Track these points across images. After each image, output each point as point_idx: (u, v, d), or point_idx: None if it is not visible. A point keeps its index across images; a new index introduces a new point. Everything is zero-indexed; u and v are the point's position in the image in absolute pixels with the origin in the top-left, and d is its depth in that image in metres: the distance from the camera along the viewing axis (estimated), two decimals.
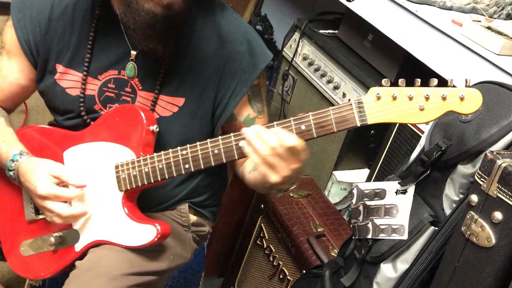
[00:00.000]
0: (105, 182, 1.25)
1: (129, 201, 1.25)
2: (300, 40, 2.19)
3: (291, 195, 1.85)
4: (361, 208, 1.27)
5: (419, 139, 1.29)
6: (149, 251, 1.24)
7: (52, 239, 1.26)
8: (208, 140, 1.14)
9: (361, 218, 1.26)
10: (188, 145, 1.16)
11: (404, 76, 1.87)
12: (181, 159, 1.17)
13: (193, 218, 1.46)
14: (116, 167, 1.24)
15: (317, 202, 1.85)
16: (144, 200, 1.31)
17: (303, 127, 1.07)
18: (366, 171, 2.05)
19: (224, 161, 1.14)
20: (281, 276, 1.76)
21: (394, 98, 1.02)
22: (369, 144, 1.99)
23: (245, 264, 2.00)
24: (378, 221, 1.21)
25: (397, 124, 1.73)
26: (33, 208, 1.33)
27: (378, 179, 1.81)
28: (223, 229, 2.14)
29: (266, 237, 1.87)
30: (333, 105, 2.00)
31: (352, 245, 1.30)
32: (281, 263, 1.78)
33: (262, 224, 1.89)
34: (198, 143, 1.16)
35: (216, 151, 1.14)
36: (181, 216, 1.43)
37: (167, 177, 1.18)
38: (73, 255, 1.27)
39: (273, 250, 1.82)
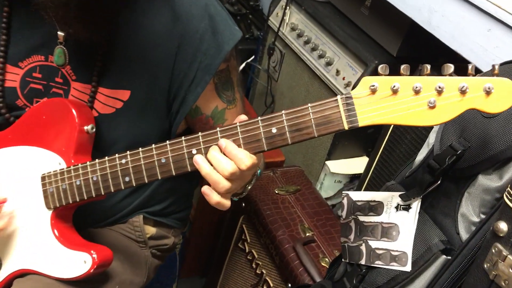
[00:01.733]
0: (30, 197, 0.99)
1: (61, 220, 0.99)
2: (288, 7, 1.89)
3: (277, 191, 1.60)
4: (352, 224, 1.01)
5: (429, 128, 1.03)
6: (88, 281, 0.99)
7: None
8: (154, 145, 0.88)
9: (352, 237, 1.00)
10: (128, 152, 0.90)
11: (409, 51, 1.60)
12: (120, 170, 0.91)
13: (151, 230, 1.21)
14: (43, 178, 0.98)
15: (307, 199, 1.59)
16: (86, 213, 1.06)
17: (274, 130, 0.81)
18: (364, 160, 1.79)
19: (174, 174, 0.88)
20: (265, 287, 1.53)
21: (395, 92, 0.76)
22: (367, 129, 1.71)
23: (227, 267, 1.76)
24: (373, 243, 0.95)
25: None
26: None
27: (379, 170, 1.55)
28: (204, 227, 1.90)
29: (248, 240, 1.62)
30: (325, 85, 1.73)
31: (342, 268, 1.05)
32: (264, 271, 1.54)
33: (244, 226, 1.64)
34: (140, 149, 0.89)
35: (163, 160, 0.88)
36: (135, 231, 1.17)
37: (103, 193, 0.93)
38: None
39: (256, 256, 1.58)
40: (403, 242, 0.91)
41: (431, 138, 0.98)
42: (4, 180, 1.02)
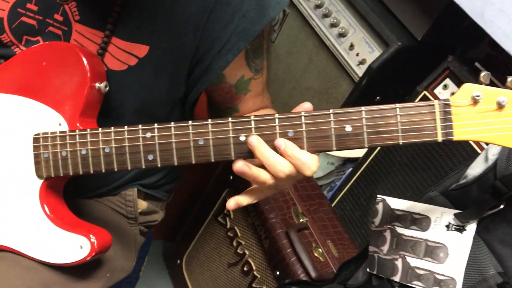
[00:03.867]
0: (15, 159, 0.80)
1: (51, 192, 0.81)
2: None
3: None
4: (387, 234, 0.90)
5: None
6: (75, 268, 0.83)
7: None
8: (191, 122, 0.72)
9: (385, 248, 0.90)
10: (156, 124, 0.73)
11: (435, 37, 1.48)
12: (142, 144, 0.74)
13: (142, 205, 1.05)
14: (36, 139, 0.79)
15: (300, 181, 1.47)
16: (73, 181, 0.88)
17: (348, 128, 0.67)
18: None
19: (212, 160, 0.72)
20: (245, 269, 1.42)
21: (500, 107, 0.64)
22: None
23: (200, 238, 1.63)
24: (413, 261, 0.85)
25: (422, 93, 1.36)
26: None
27: (379, 158, 1.45)
28: (179, 191, 1.74)
29: (231, 216, 1.49)
30: (334, 57, 1.59)
31: (363, 277, 0.95)
32: (247, 252, 1.42)
33: (227, 199, 1.50)
34: (173, 124, 0.73)
35: (201, 142, 0.72)
36: (126, 206, 1.01)
37: (115, 169, 0.75)
38: None
39: (239, 234, 1.46)
40: (453, 267, 0.81)
41: (492, 153, 0.87)
42: None
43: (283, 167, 0.68)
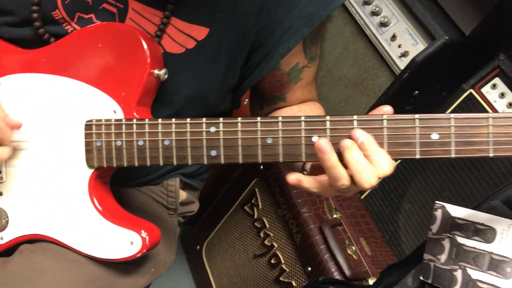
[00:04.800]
0: (64, 146, 0.75)
1: (100, 183, 0.77)
2: None
3: None
4: (446, 243, 0.86)
5: None
6: (122, 263, 0.79)
7: None
8: (259, 118, 0.67)
9: (444, 258, 0.86)
10: (221, 119, 0.68)
11: (484, 33, 1.42)
12: (206, 139, 0.69)
13: (182, 195, 1.01)
14: (88, 126, 0.74)
15: None
16: (116, 170, 0.83)
17: (434, 135, 0.63)
18: None
19: (280, 160, 0.68)
20: (273, 261, 1.38)
21: None
22: (405, 105, 1.55)
23: (222, 227, 1.59)
24: (475, 274, 0.82)
25: (467, 91, 1.31)
26: None
27: None
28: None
29: (260, 207, 1.45)
30: (373, 46, 1.53)
31: (414, 283, 0.91)
32: (276, 245, 1.39)
33: (256, 189, 1.46)
34: (240, 119, 0.68)
35: (269, 141, 0.67)
36: (168, 196, 0.97)
37: (174, 163, 0.71)
38: None
39: (267, 226, 1.42)
40: None
41: None
42: (28, 115, 0.76)
43: (371, 176, 0.62)
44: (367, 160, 0.62)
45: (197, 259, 1.70)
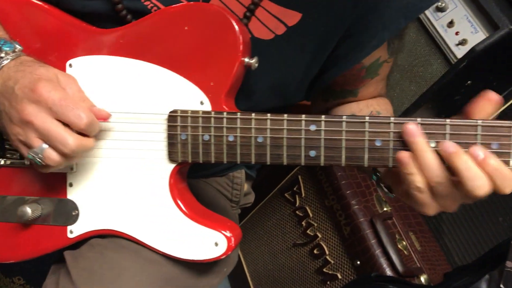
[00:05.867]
0: (142, 137, 0.69)
1: (181, 179, 0.71)
2: None
3: None
4: None
5: None
6: (200, 263, 0.74)
7: (28, 210, 0.72)
8: (368, 118, 0.61)
9: None
10: (323, 116, 0.63)
11: None
12: (305, 138, 0.63)
13: (244, 186, 0.96)
14: (173, 117, 0.68)
15: None
16: None
17: None
18: None
19: (390, 165, 0.62)
20: (315, 252, 1.34)
21: None
22: (455, 95, 1.48)
23: (258, 212, 1.55)
24: None
25: None
26: None
27: None
28: None
29: (303, 195, 1.40)
30: (428, 33, 1.47)
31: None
32: (320, 235, 1.35)
33: (299, 177, 1.41)
34: (344, 117, 0.62)
35: (378, 143, 0.61)
36: (233, 188, 0.92)
37: (268, 162, 0.65)
38: (60, 242, 0.75)
39: (311, 215, 1.37)
40: None
41: None
42: (105, 104, 0.70)
43: (483, 183, 0.57)
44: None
45: None
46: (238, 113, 0.65)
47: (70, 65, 0.71)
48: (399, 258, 1.17)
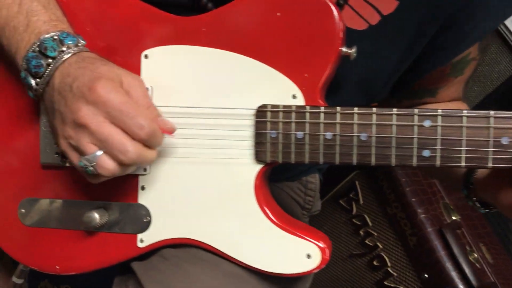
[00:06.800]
0: (225, 135, 0.62)
1: (265, 182, 0.64)
2: None
3: None
4: None
5: None
6: (285, 278, 0.66)
7: (95, 216, 0.65)
8: (492, 112, 0.54)
9: None
10: (440, 111, 0.55)
11: None
12: (417, 138, 0.56)
13: None
14: (261, 113, 0.61)
15: None
16: None
17: None
18: None
19: None
20: (375, 263, 1.26)
21: None
22: None
23: (310, 218, 1.46)
24: None
25: None
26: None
27: None
28: None
29: (361, 202, 1.32)
30: (496, 29, 1.38)
31: None
32: (380, 245, 1.26)
33: (356, 183, 1.33)
34: (465, 111, 0.54)
35: (505, 141, 0.53)
36: (306, 194, 0.84)
37: (373, 163, 0.58)
38: (128, 252, 0.67)
39: (370, 224, 1.29)
40: None
41: None
42: (185, 98, 0.63)
43: None
44: None
45: None
46: (338, 108, 0.58)
47: (146, 56, 0.64)
48: (473, 271, 1.08)
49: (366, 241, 1.29)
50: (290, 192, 0.83)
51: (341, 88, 0.70)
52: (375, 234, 1.28)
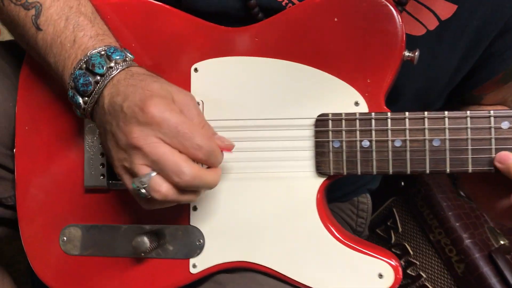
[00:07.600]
0: (284, 148, 0.59)
1: (325, 197, 0.60)
2: None
3: None
4: None
5: None
6: None
7: (145, 241, 0.61)
8: None
9: None
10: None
11: None
12: (495, 138, 0.52)
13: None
14: (321, 122, 0.57)
15: None
16: None
17: None
18: None
19: None
20: None
21: None
22: None
23: None
24: None
25: None
26: (105, 166, 0.65)
27: None
28: None
29: (400, 230, 1.26)
30: None
31: None
32: (424, 275, 1.20)
33: (394, 210, 1.27)
34: None
35: None
36: (358, 216, 0.81)
37: (448, 170, 0.54)
38: (180, 278, 0.63)
39: (411, 253, 1.23)
40: None
41: None
42: (240, 111, 0.60)
43: None
44: None
45: None
46: (407, 113, 0.54)
47: (196, 70, 0.62)
48: None
49: (408, 271, 1.22)
50: (341, 214, 0.79)
51: (398, 97, 0.67)
52: (417, 263, 1.21)
